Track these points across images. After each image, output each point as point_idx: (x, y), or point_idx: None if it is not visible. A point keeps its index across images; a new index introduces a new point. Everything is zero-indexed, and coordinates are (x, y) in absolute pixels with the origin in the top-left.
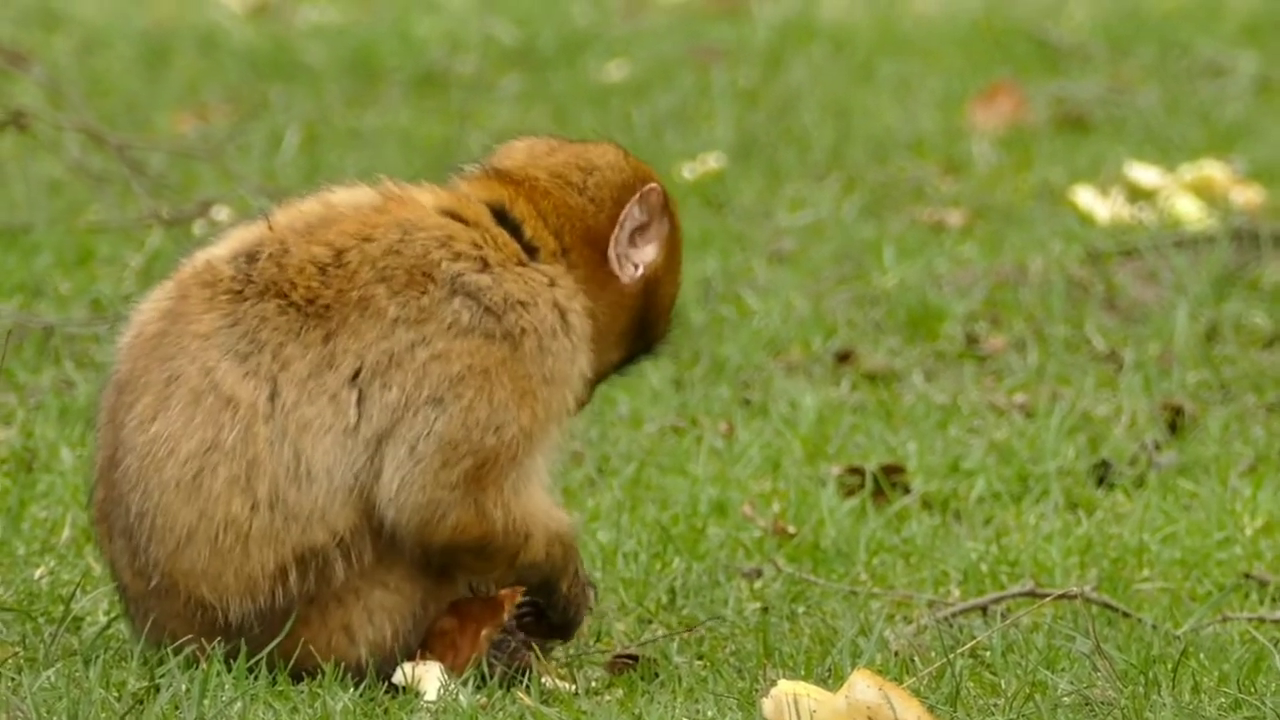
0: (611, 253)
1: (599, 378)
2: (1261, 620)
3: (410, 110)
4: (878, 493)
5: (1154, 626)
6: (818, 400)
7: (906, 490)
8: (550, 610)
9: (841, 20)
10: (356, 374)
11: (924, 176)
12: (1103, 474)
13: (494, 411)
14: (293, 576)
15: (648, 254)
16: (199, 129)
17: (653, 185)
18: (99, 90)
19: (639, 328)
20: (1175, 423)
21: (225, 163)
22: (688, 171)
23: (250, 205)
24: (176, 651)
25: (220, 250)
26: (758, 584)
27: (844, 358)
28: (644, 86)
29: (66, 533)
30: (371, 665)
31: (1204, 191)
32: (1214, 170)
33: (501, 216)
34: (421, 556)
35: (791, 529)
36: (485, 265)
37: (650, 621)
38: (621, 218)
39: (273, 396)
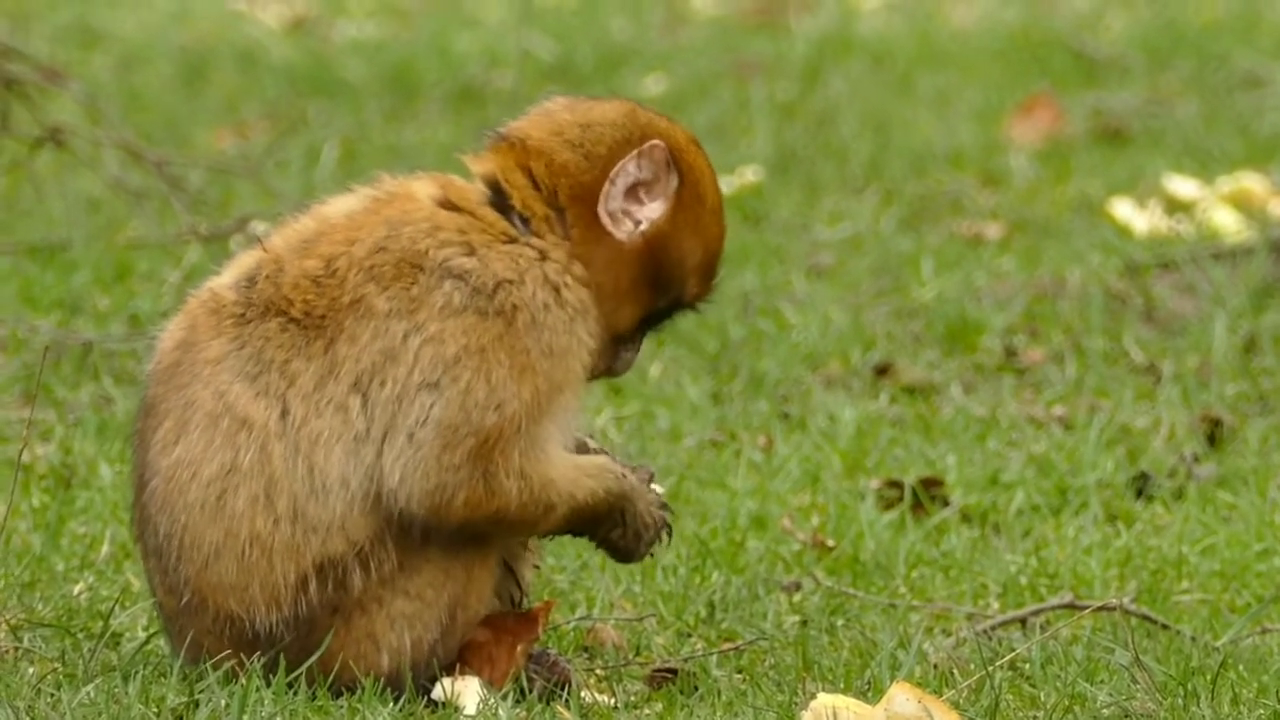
0: (601, 209)
1: (624, 335)
2: None
3: (448, 125)
4: (917, 506)
5: (1193, 638)
6: (856, 413)
7: (945, 503)
8: (607, 550)
9: (880, 34)
10: (357, 380)
11: (962, 189)
12: (1141, 486)
13: (493, 390)
14: (313, 586)
15: (652, 211)
16: (237, 145)
17: (655, 141)
18: (138, 107)
19: (652, 283)
20: (1214, 435)
21: (264, 179)
22: (726, 185)
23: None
24: (215, 667)
25: (224, 278)
26: (797, 597)
27: (882, 371)
28: (682, 100)
29: (105, 548)
30: (409, 676)
31: (1242, 203)
32: (1252, 182)
33: (496, 190)
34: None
35: (830, 542)
36: (471, 249)
37: (689, 635)
38: (613, 173)
39: (284, 414)
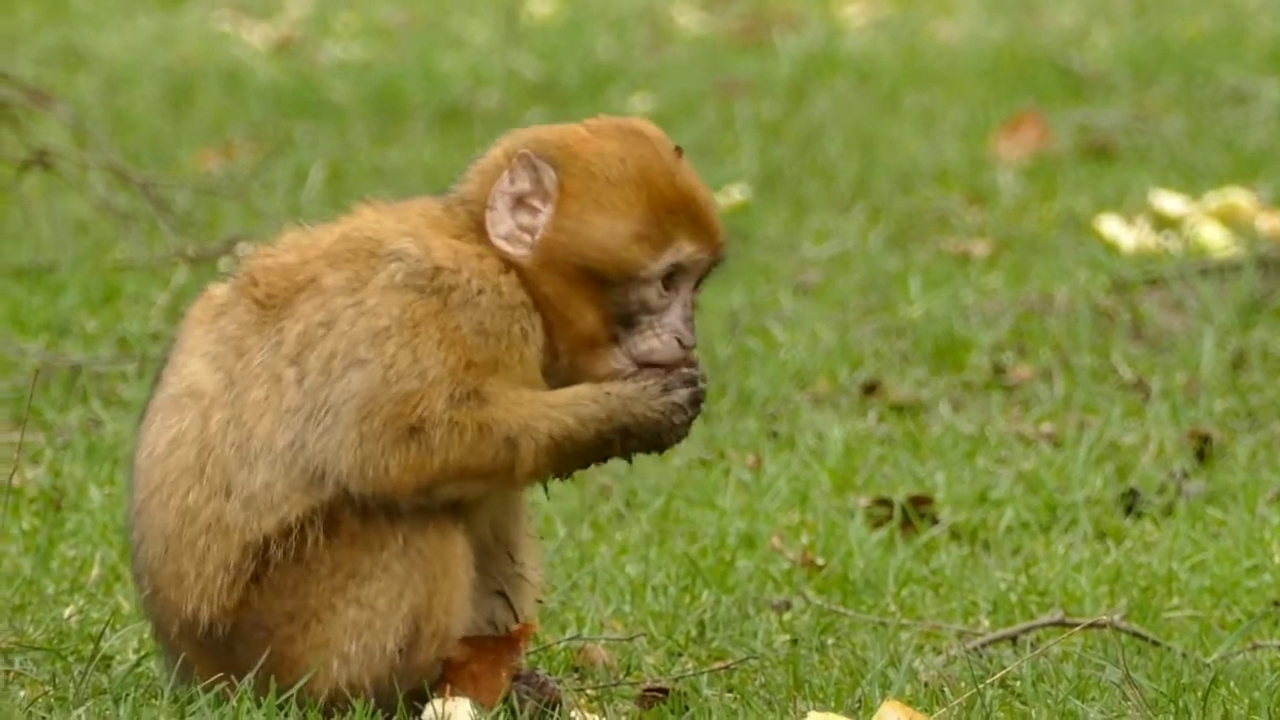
0: (493, 236)
1: (598, 336)
2: None
3: (434, 145)
4: (906, 524)
5: (1184, 655)
6: (845, 432)
7: (935, 521)
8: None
9: (865, 52)
10: (299, 353)
11: (949, 207)
12: (1131, 503)
13: (416, 360)
14: (247, 568)
15: (542, 218)
16: (224, 166)
17: (522, 152)
18: (124, 128)
19: (586, 278)
20: (1203, 451)
21: (250, 200)
22: None
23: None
24: (207, 689)
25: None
26: (787, 616)
27: (871, 389)
28: (668, 120)
29: (95, 571)
30: (397, 690)
31: (1229, 219)
32: (1239, 198)
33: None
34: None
35: (820, 561)
36: (420, 239)
37: (680, 654)
38: (490, 200)
39: (229, 384)
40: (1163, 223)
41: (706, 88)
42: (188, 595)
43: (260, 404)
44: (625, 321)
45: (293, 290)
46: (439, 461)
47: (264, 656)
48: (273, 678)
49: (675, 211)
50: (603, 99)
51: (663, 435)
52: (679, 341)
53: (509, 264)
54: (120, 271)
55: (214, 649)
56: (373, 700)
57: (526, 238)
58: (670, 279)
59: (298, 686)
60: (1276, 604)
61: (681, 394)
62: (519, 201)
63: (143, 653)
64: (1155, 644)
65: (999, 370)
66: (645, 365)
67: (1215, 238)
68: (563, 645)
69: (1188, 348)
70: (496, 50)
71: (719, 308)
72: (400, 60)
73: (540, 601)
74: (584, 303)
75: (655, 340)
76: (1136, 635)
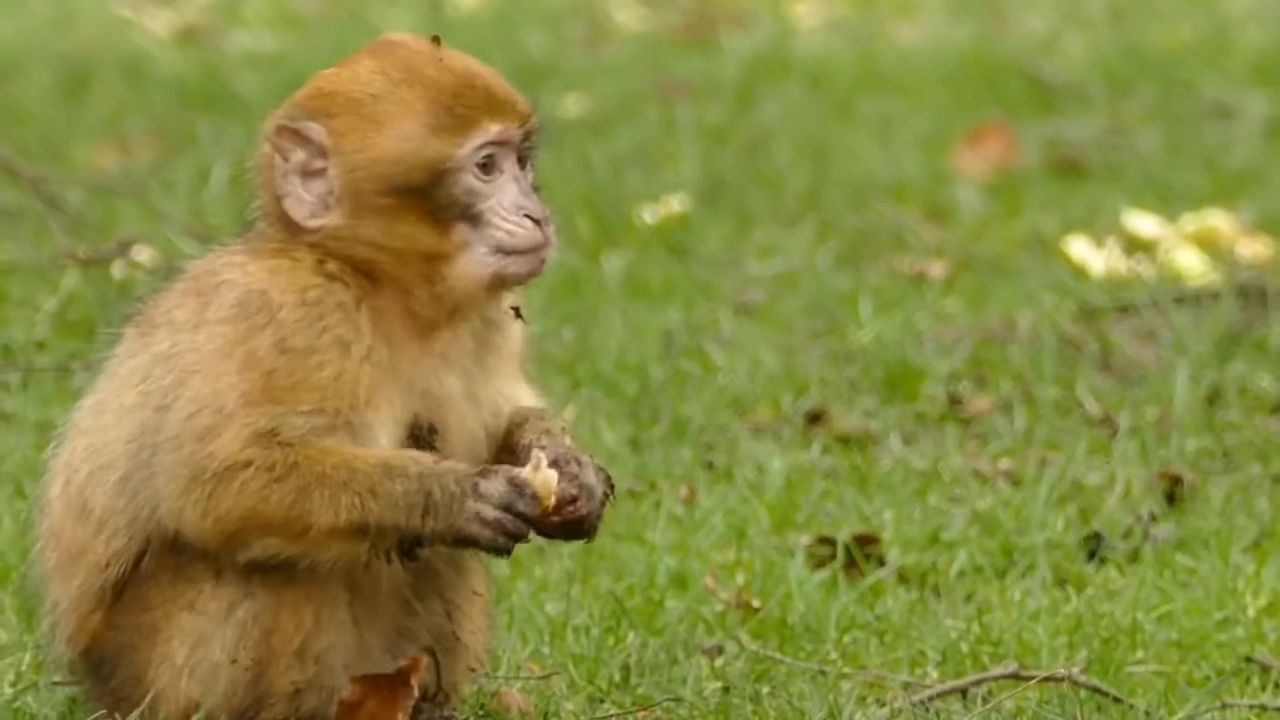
0: (300, 222)
1: (437, 251)
2: (1264, 708)
3: None
4: (850, 565)
5: (1147, 713)
6: (786, 464)
7: (881, 563)
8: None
9: (818, 54)
10: (139, 383)
11: (905, 224)
12: (1094, 548)
13: (216, 393)
14: (107, 592)
15: (333, 173)
16: (120, 162)
17: (278, 124)
18: (13, 119)
19: (401, 197)
20: (1173, 493)
21: (148, 199)
22: (649, 214)
23: (175, 246)
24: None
25: None
26: (719, 662)
27: (815, 419)
28: (604, 123)
29: None
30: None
31: (1208, 243)
32: (1219, 220)
33: None
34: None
35: (756, 603)
36: (244, 263)
37: (602, 701)
38: (278, 191)
39: (98, 413)
40: (1136, 246)
41: (646, 89)
42: (63, 622)
43: (110, 429)
44: (468, 220)
45: (154, 325)
46: (229, 504)
47: (120, 677)
48: (132, 699)
49: (461, 95)
50: (534, 99)
51: (463, 522)
52: (529, 217)
53: (325, 259)
54: (5, 274)
55: (94, 675)
56: None
57: (330, 200)
58: (487, 164)
59: (143, 705)
60: (1249, 660)
61: (489, 511)
62: (305, 172)
63: (20, 686)
64: (1117, 700)
65: (955, 401)
66: (509, 253)
67: (1192, 263)
68: (475, 687)
69: (1159, 381)
70: None
71: (653, 327)
72: (314, 51)
73: (473, 670)
74: (412, 225)
75: (505, 224)
76: (1096, 690)
